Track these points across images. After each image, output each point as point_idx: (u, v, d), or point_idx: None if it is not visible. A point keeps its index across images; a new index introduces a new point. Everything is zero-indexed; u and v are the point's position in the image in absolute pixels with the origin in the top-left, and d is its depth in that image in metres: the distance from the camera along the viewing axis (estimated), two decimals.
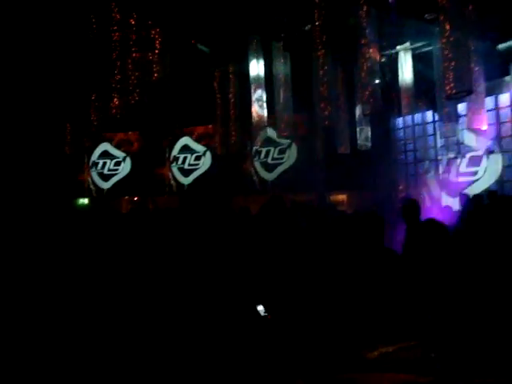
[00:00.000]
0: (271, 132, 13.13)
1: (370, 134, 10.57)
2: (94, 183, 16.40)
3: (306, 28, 8.33)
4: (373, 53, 6.90)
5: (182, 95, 12.30)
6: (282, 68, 9.18)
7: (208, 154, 14.97)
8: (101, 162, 16.34)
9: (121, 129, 15.53)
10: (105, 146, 16.27)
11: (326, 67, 7.49)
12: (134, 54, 9.14)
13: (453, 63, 5.62)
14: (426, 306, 2.85)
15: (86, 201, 16.58)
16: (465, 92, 5.99)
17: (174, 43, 9.35)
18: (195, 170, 15.29)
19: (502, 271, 2.89)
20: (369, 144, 10.60)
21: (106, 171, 16.27)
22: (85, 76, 10.86)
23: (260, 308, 2.61)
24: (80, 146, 15.53)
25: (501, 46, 9.12)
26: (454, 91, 5.74)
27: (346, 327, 2.78)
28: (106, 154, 16.32)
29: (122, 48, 9.36)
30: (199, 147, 15.27)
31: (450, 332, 2.63)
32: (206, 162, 15.12)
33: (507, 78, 10.18)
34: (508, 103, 10.72)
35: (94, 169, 16.41)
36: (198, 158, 15.32)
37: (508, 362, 2.29)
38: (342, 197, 13.36)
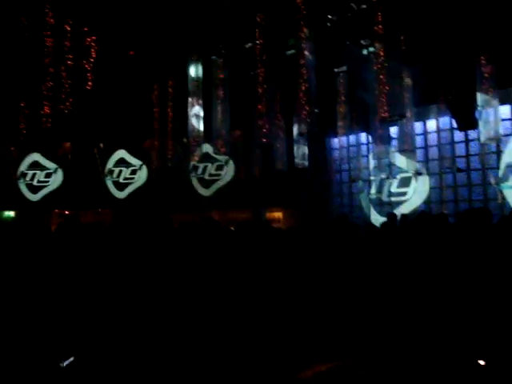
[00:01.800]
0: (208, 148, 13.07)
1: (306, 152, 10.76)
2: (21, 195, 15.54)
3: (247, 46, 8.40)
4: (310, 73, 7.04)
5: (118, 107, 12.00)
6: (220, 84, 9.18)
7: (144, 167, 14.63)
8: (30, 172, 15.54)
9: (53, 139, 14.85)
10: (35, 157, 15.51)
11: (264, 85, 7.56)
12: (67, 62, 8.78)
13: (386, 88, 5.83)
14: (358, 321, 2.85)
15: (11, 214, 15.67)
16: (397, 116, 6.23)
17: (111, 53, 9.12)
18: (130, 184, 14.89)
19: (424, 282, 2.96)
20: (306, 162, 10.77)
21: (35, 183, 15.48)
22: (14, 82, 10.34)
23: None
24: (7, 156, 14.70)
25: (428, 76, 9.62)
26: (386, 115, 5.95)
27: (278, 346, 2.73)
28: (36, 165, 15.55)
29: (55, 54, 8.98)
30: (135, 161, 14.90)
31: (383, 348, 2.64)
32: (142, 176, 14.76)
33: (434, 105, 10.75)
34: (435, 128, 11.32)
35: (22, 180, 15.56)
36: (133, 172, 14.93)
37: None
38: (277, 214, 13.45)
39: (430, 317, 2.78)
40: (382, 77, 6.12)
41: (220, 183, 14.10)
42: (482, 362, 2.45)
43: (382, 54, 6.04)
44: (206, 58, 9.92)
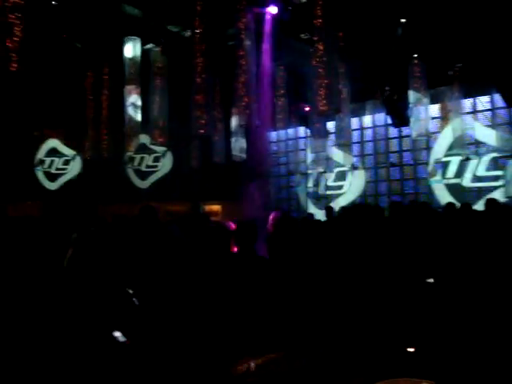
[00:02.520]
0: (145, 138, 12.76)
1: (244, 145, 10.72)
2: None
3: (186, 35, 8.22)
4: (249, 65, 7.00)
5: (50, 93, 11.42)
6: (159, 72, 8.94)
7: (78, 158, 14.06)
8: None
9: None
10: None
11: (203, 75, 7.43)
12: None
13: (324, 82, 5.89)
14: (291, 314, 2.85)
15: None
16: (334, 110, 6.32)
17: (40, 33, 8.61)
18: (63, 174, 14.28)
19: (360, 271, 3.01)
20: (244, 155, 10.74)
21: None
22: None
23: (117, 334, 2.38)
24: None
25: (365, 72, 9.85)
26: (324, 109, 6.02)
27: (211, 341, 2.67)
28: None
29: None
30: (68, 151, 14.29)
31: (318, 340, 2.65)
32: (75, 167, 14.18)
33: (370, 102, 11.05)
34: (371, 124, 11.66)
35: None
36: (66, 163, 14.32)
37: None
38: (216, 207, 13.36)
39: (363, 306, 2.82)
40: (320, 71, 6.17)
41: (157, 175, 13.82)
42: (411, 349, 2.50)
43: (320, 48, 6.10)
44: (143, 46, 9.62)
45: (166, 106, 8.98)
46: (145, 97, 9.69)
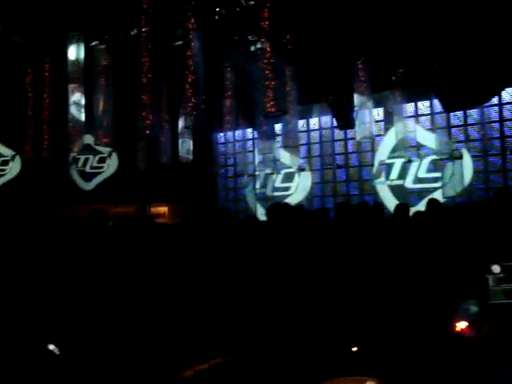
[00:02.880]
0: (90, 139, 12.39)
1: (191, 146, 10.62)
2: None
3: (132, 33, 8.05)
4: (197, 66, 6.93)
5: None
6: (103, 71, 8.70)
7: (18, 158, 13.44)
8: None
9: None
10: None
11: (150, 75, 7.29)
12: None
13: (271, 84, 5.93)
14: (237, 316, 2.83)
15: None
16: (281, 112, 6.38)
17: None
18: (1, 175, 13.61)
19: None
20: (190, 156, 10.64)
21: None
22: None
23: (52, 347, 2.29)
24: None
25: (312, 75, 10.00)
26: (271, 110, 6.06)
27: (156, 347, 2.61)
28: None
29: None
30: (7, 151, 13.64)
31: (264, 343, 2.64)
32: (14, 168, 13.55)
33: (317, 104, 11.23)
34: (317, 126, 11.85)
35: None
36: (5, 163, 13.66)
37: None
38: (163, 209, 13.16)
39: (305, 307, 2.84)
40: (267, 73, 6.20)
41: (102, 176, 13.44)
42: (354, 349, 2.54)
43: (268, 50, 6.13)
44: (88, 43, 9.32)
45: (110, 106, 8.76)
46: (89, 96, 9.40)
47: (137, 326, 2.73)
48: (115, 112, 9.17)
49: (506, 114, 9.73)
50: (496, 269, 2.79)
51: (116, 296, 2.92)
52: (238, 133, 12.94)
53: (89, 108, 9.45)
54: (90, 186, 13.38)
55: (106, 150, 12.99)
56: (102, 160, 13.44)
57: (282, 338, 2.63)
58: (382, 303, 2.90)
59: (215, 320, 2.85)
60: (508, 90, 9.60)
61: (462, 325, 2.46)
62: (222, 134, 13.09)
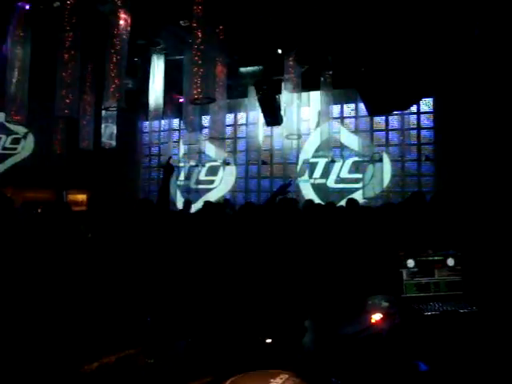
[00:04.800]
0: (2, 117, 11.55)
1: (115, 132, 10.15)
2: None
3: (55, 5, 7.52)
4: (123, 47, 6.59)
5: None
6: (19, 44, 8.06)
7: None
8: None
9: None
10: None
11: (72, 52, 6.85)
12: None
13: (200, 70, 5.77)
14: (145, 307, 2.70)
15: None
16: (207, 99, 6.23)
17: None
18: None
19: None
20: (113, 143, 10.17)
21: None
22: None
23: None
24: None
25: (242, 70, 9.95)
26: (198, 96, 5.90)
27: (60, 338, 2.41)
28: None
29: None
30: None
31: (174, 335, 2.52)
32: None
33: (245, 99, 11.20)
34: (245, 121, 11.83)
35: None
36: None
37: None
38: (81, 196, 12.55)
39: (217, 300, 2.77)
40: (196, 59, 6.01)
41: (16, 159, 12.59)
42: (268, 340, 2.48)
43: (199, 36, 5.95)
44: (6, 12, 8.61)
45: (25, 81, 8.13)
46: (2, 67, 8.69)
47: (40, 319, 2.52)
48: (32, 89, 8.54)
49: (423, 122, 10.24)
50: (410, 263, 2.85)
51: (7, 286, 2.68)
52: (164, 122, 12.64)
53: (1, 83, 8.75)
54: (0, 168, 12.49)
55: (20, 130, 12.20)
56: (17, 141, 12.60)
57: (193, 330, 2.52)
58: (294, 295, 2.88)
59: (124, 312, 2.69)
60: (426, 100, 10.10)
61: (376, 317, 2.48)
62: (147, 123, 12.71)
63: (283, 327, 2.49)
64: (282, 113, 9.57)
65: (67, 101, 6.77)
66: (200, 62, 5.70)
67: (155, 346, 2.36)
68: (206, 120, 10.87)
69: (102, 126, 10.01)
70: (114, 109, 7.21)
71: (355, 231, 4.34)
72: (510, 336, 2.36)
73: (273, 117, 9.98)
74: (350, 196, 9.54)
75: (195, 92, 5.70)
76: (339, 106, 10.76)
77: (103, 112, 9.70)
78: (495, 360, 2.20)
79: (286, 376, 2.10)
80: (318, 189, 10.72)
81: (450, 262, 2.90)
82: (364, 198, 9.81)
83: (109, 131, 9.96)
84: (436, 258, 2.89)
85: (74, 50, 6.92)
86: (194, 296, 2.78)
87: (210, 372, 2.15)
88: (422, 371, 2.14)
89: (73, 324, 2.57)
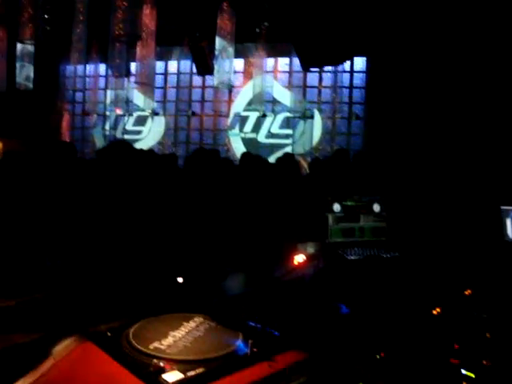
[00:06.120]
0: None
1: (32, 73, 9.31)
2: None
3: None
4: None
5: None
6: None
7: None
8: None
9: None
10: None
11: None
12: None
13: (123, 3, 5.33)
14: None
15: None
16: (132, 37, 5.81)
17: None
18: None
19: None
20: (30, 85, 9.35)
21: None
22: None
23: None
24: None
25: (173, 14, 9.40)
26: (120, 33, 5.48)
27: None
28: None
29: None
30: None
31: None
32: None
33: (177, 47, 10.70)
34: (175, 71, 11.33)
35: None
36: None
37: None
38: None
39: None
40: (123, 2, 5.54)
41: None
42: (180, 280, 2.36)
43: None
44: None
45: None
46: None
47: None
48: None
49: (356, 81, 10.27)
50: (337, 207, 2.78)
51: None
52: (90, 68, 11.85)
53: None
54: None
55: None
56: None
57: (102, 272, 2.32)
58: (216, 238, 2.76)
59: (21, 256, 2.45)
60: (359, 59, 10.11)
61: (299, 258, 2.40)
62: (70, 67, 11.85)
63: (200, 268, 2.35)
64: (214, 62, 9.19)
65: None
66: (127, 5, 5.26)
67: (58, 291, 2.15)
68: (134, 68, 10.24)
69: (17, 65, 9.14)
70: (30, 42, 6.55)
71: (287, 181, 4.30)
72: (428, 279, 2.38)
73: (204, 65, 9.59)
74: (281, 151, 9.52)
75: (117, 28, 5.27)
76: (273, 59, 10.53)
77: (18, 49, 8.82)
78: (414, 302, 2.20)
79: (201, 319, 1.97)
80: (249, 143, 10.55)
81: (376, 207, 2.86)
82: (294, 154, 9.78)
83: (25, 72, 9.12)
84: (362, 203, 2.84)
85: None
86: (110, 233, 2.57)
87: (120, 315, 1.99)
88: (343, 313, 2.09)
89: None
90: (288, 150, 10.01)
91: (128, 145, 4.44)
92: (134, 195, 3.23)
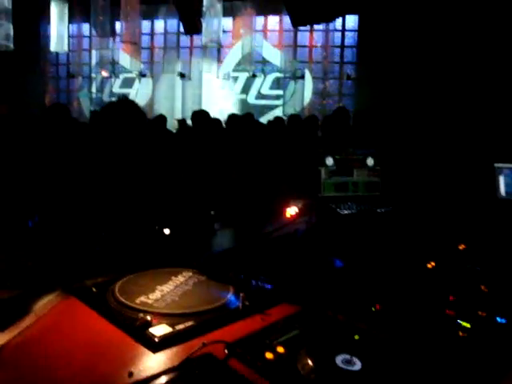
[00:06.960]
0: None
1: (12, 32, 8.93)
2: None
3: None
4: None
5: None
6: None
7: None
8: None
9: None
10: None
11: None
12: None
13: None
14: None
15: None
16: None
17: None
18: None
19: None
20: (10, 45, 8.99)
21: None
22: None
23: None
24: None
25: None
26: None
27: None
28: None
29: None
30: None
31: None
32: None
33: (163, 5, 10.35)
34: (162, 30, 10.99)
35: None
36: None
37: None
38: None
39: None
40: None
41: None
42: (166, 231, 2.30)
43: None
44: None
45: None
46: None
47: None
48: None
49: (348, 40, 10.04)
50: (329, 161, 2.69)
51: None
52: (74, 28, 11.45)
53: None
54: None
55: None
56: None
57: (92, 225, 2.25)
58: (204, 194, 2.68)
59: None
60: (351, 17, 9.85)
61: (291, 211, 2.32)
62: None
63: (188, 220, 2.28)
64: (202, 20, 8.89)
65: None
66: None
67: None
68: (119, 27, 9.90)
69: None
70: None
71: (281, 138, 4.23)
72: (422, 234, 2.34)
73: (191, 24, 9.28)
74: (271, 112, 9.37)
75: None
76: (262, 18, 10.22)
77: None
78: (408, 256, 2.16)
79: (190, 274, 1.91)
80: (239, 104, 10.36)
81: (370, 161, 2.78)
82: (284, 115, 9.61)
83: (4, 31, 8.75)
84: (355, 156, 2.75)
85: None
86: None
87: (107, 270, 1.92)
88: (337, 267, 2.05)
89: None
90: (278, 110, 9.85)
91: (134, 103, 4.32)
92: (129, 153, 3.14)
